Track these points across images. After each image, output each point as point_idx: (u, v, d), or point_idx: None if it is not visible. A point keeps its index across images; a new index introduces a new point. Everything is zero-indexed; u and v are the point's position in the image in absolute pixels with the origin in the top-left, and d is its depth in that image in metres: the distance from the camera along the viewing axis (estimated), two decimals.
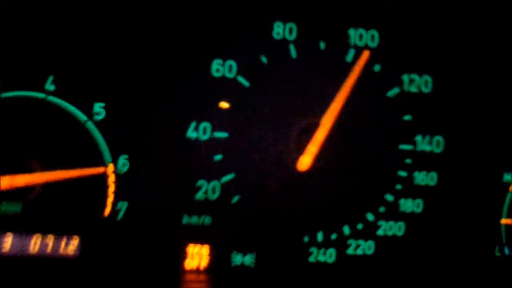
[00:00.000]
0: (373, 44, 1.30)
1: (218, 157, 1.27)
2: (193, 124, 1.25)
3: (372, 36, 1.29)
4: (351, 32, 1.29)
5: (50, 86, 1.21)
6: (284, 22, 1.27)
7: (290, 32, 1.28)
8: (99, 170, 1.24)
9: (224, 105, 1.26)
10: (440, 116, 1.32)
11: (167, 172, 1.26)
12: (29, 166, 1.21)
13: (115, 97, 1.23)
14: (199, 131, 1.26)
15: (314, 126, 1.28)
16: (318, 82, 1.29)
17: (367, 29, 1.29)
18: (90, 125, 1.23)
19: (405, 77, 1.31)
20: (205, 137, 1.26)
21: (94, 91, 1.23)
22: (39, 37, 1.21)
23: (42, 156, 1.22)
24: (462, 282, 1.34)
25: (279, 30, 1.27)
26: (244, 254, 1.30)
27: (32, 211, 1.23)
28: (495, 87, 1.34)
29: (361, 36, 1.29)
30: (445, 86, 1.32)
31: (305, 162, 1.27)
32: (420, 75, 1.31)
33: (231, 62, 1.26)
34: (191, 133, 1.26)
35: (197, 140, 1.26)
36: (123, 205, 1.25)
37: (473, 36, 1.32)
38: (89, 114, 1.23)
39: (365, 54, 1.29)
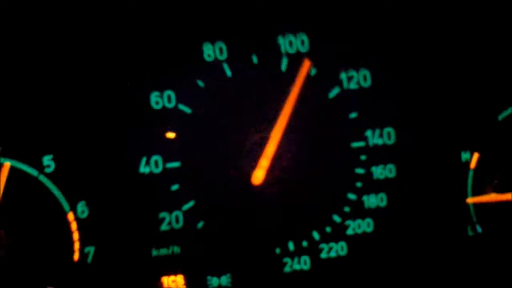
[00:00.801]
0: (304, 49, 1.30)
1: (175, 187, 1.28)
2: (143, 160, 1.27)
3: (302, 41, 1.30)
4: (280, 40, 1.30)
5: None
6: (213, 43, 1.29)
7: (221, 51, 1.29)
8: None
9: (170, 135, 1.28)
10: (386, 107, 1.32)
11: (127, 210, 1.27)
12: None
13: (62, 146, 1.25)
14: (151, 165, 1.27)
15: (263, 140, 1.29)
16: (258, 96, 1.30)
17: (295, 34, 1.30)
18: (42, 178, 1.25)
19: (343, 75, 1.31)
20: (158, 170, 1.27)
21: (40, 144, 1.25)
22: None
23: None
24: (440, 267, 1.34)
25: (209, 52, 1.28)
26: (219, 276, 1.31)
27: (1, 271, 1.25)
28: (435, 67, 1.34)
29: (291, 43, 1.30)
30: (384, 77, 1.32)
31: (258, 175, 1.28)
32: (357, 70, 1.31)
33: (169, 92, 1.27)
34: (143, 169, 1.27)
35: (151, 174, 1.27)
36: (90, 249, 1.27)
37: (404, 21, 1.33)
38: (40, 167, 1.26)
39: (306, 63, 1.30)
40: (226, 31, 1.29)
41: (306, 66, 1.30)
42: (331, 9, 1.31)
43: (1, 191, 1.22)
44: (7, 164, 1.22)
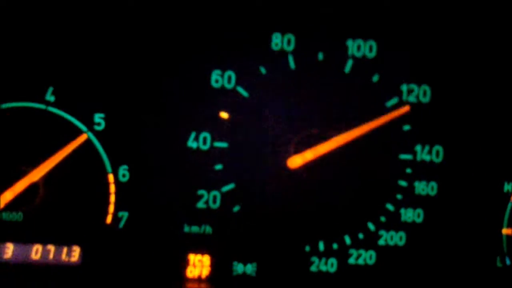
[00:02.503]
0: (371, 55, 1.30)
1: (219, 166, 1.28)
2: (193, 134, 1.27)
3: (370, 47, 1.30)
4: (349, 43, 1.30)
5: (50, 97, 1.24)
6: (283, 33, 1.29)
7: (289, 43, 1.29)
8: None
9: (223, 115, 1.28)
10: (439, 125, 1.32)
11: (167, 182, 1.28)
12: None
13: (115, 108, 1.26)
14: (199, 141, 1.27)
15: (314, 136, 1.29)
16: (316, 93, 1.30)
17: (365, 40, 1.30)
18: (90, 136, 1.25)
19: (404, 87, 1.31)
20: (205, 147, 1.28)
21: (94, 102, 1.26)
22: (39, 49, 1.24)
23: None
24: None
25: (277, 41, 1.29)
26: (245, 263, 1.31)
27: (33, 221, 1.25)
28: (494, 95, 1.33)
29: (359, 47, 1.30)
30: (443, 95, 1.32)
31: (297, 161, 1.28)
32: (419, 85, 1.31)
33: (230, 73, 1.28)
34: (191, 143, 1.27)
35: (197, 150, 1.27)
36: (124, 215, 1.27)
37: (470, 45, 1.32)
38: (90, 124, 1.25)
39: (406, 108, 1.31)
40: (297, 24, 1.29)
41: (403, 110, 1.31)
42: (403, 19, 1.31)
43: None
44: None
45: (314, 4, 1.29)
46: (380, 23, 1.31)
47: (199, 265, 1.30)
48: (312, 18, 1.29)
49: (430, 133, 1.32)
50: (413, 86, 1.31)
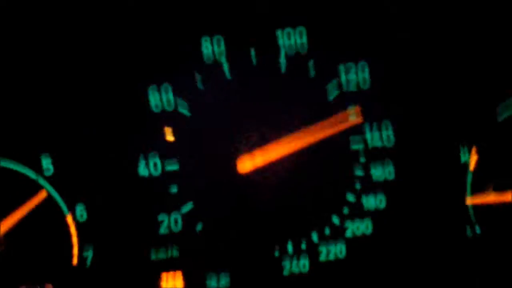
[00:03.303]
0: (303, 50, 1.30)
1: (174, 189, 1.28)
2: (142, 162, 1.27)
3: (302, 44, 1.30)
4: (279, 33, 1.30)
5: None
6: (211, 40, 1.28)
7: (219, 48, 1.28)
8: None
9: (169, 138, 1.28)
10: (384, 109, 1.32)
11: (126, 213, 1.27)
12: None
13: (61, 149, 1.25)
14: (150, 168, 1.27)
15: (263, 141, 1.30)
16: (258, 98, 1.30)
17: (293, 28, 1.30)
18: (41, 182, 1.25)
19: (343, 78, 1.31)
20: (157, 173, 1.27)
21: (39, 147, 1.25)
22: None
23: None
24: (439, 268, 1.34)
25: (208, 53, 1.28)
26: (218, 274, 1.31)
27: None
28: (434, 68, 1.34)
29: (289, 36, 1.30)
30: (382, 79, 1.32)
31: (247, 165, 1.29)
32: (356, 73, 1.31)
33: (168, 95, 1.27)
34: (142, 171, 1.27)
35: (150, 177, 1.27)
36: (89, 254, 1.27)
37: (402, 20, 1.33)
38: (39, 171, 1.25)
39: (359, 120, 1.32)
40: (226, 26, 1.29)
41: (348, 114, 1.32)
42: (331, 7, 1.31)
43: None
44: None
45: (238, 4, 1.30)
46: (308, 9, 1.31)
47: (171, 281, 1.30)
48: (238, 17, 1.30)
49: (377, 118, 1.32)
50: (352, 76, 1.31)
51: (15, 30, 1.23)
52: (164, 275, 1.29)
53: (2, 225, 1.24)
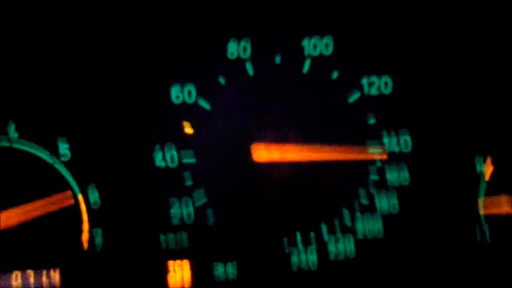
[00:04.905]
0: (327, 52, 1.30)
1: (189, 183, 1.28)
2: (160, 154, 1.27)
3: (326, 44, 1.30)
4: (305, 42, 1.30)
5: (13, 134, 1.24)
6: (238, 40, 1.29)
7: (245, 50, 1.28)
8: (68, 202, 1.26)
9: (188, 130, 1.28)
10: (404, 115, 1.32)
11: (140, 202, 1.27)
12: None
13: (79, 136, 1.25)
14: (167, 160, 1.27)
15: (280, 136, 1.30)
16: (278, 96, 1.30)
17: (321, 37, 1.30)
18: (58, 167, 1.25)
19: (365, 81, 1.31)
20: (173, 165, 1.27)
21: (57, 132, 1.25)
22: None
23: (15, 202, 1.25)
24: (447, 273, 1.35)
25: (233, 49, 1.28)
26: (225, 264, 1.31)
27: (9, 248, 1.25)
28: (456, 80, 1.34)
29: (315, 46, 1.30)
30: (404, 85, 1.32)
31: (262, 154, 1.29)
32: (379, 77, 1.31)
33: (190, 87, 1.27)
34: (159, 163, 1.27)
35: (166, 169, 1.27)
36: (100, 237, 1.27)
37: (428, 30, 1.33)
38: (56, 156, 1.25)
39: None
40: (252, 29, 1.29)
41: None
42: (357, 13, 1.31)
43: None
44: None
45: (266, 7, 1.29)
46: (335, 18, 1.31)
47: (179, 269, 1.30)
48: (266, 22, 1.29)
49: (396, 123, 1.32)
50: (374, 78, 1.31)
51: (38, 17, 1.24)
52: (171, 264, 1.30)
53: (18, 214, 1.24)
